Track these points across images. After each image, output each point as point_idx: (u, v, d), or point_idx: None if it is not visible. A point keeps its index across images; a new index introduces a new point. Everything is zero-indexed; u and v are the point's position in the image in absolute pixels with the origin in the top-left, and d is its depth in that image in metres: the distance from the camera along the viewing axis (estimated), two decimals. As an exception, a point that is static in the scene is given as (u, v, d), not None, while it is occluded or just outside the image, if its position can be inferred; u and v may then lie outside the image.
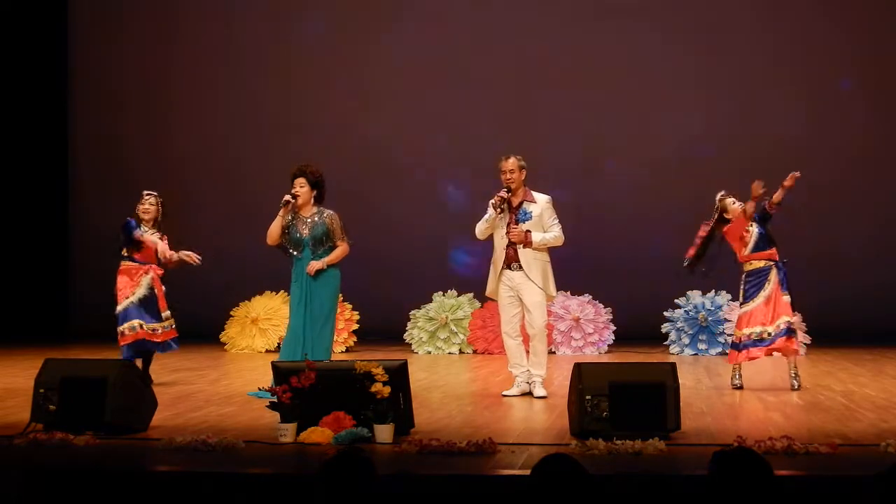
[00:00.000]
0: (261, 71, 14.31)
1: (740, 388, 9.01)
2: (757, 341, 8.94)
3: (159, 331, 9.51)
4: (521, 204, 8.83)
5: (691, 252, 9.19)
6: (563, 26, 13.91)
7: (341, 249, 8.92)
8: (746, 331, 8.99)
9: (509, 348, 8.91)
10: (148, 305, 9.51)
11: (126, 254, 9.58)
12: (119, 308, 9.51)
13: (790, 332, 8.95)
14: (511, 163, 8.83)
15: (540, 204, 8.85)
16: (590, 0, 13.94)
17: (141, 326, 9.42)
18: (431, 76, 14.06)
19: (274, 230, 8.83)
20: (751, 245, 9.04)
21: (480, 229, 8.93)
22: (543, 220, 8.81)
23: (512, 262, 8.79)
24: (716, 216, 9.20)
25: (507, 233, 8.75)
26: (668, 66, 13.78)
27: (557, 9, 13.95)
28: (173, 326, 9.67)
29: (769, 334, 8.91)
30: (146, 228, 9.59)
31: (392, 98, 14.10)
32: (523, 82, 13.86)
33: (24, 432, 6.84)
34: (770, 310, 8.94)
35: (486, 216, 8.84)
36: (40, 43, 14.43)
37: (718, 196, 9.23)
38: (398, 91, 14.10)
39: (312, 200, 8.91)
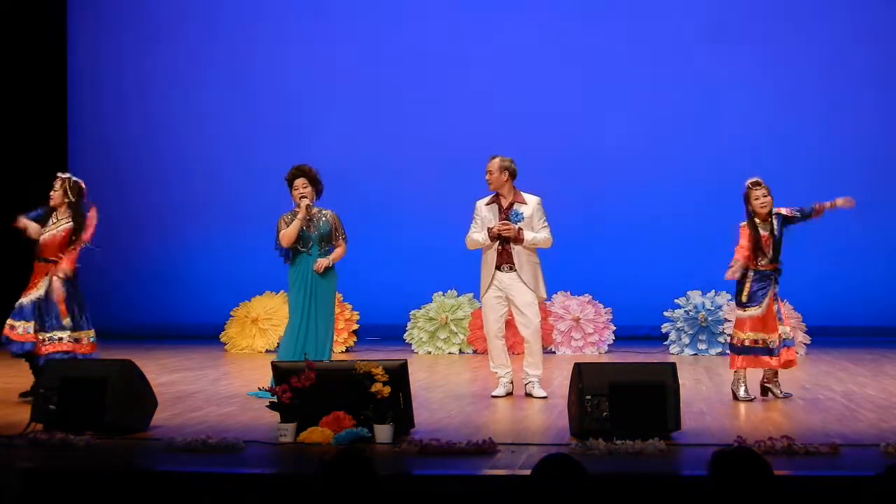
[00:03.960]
0: (265, 70, 14.29)
1: (751, 399, 8.43)
2: (765, 350, 8.43)
3: (51, 340, 8.62)
4: (511, 205, 8.77)
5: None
6: (574, 25, 13.89)
7: (342, 249, 8.98)
8: (752, 335, 8.48)
9: (494, 348, 8.88)
10: (43, 310, 8.70)
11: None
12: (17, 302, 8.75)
13: (787, 343, 8.51)
14: (493, 163, 8.75)
15: (531, 205, 8.78)
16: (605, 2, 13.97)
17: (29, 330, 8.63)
18: (436, 74, 14.03)
19: (293, 233, 8.80)
20: (771, 254, 8.48)
21: (473, 242, 8.85)
22: (533, 222, 8.74)
23: (504, 262, 8.72)
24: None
25: (500, 229, 8.63)
26: (677, 65, 13.74)
27: (569, 10, 13.94)
28: (78, 340, 8.71)
29: (773, 343, 8.42)
30: (57, 218, 8.87)
31: (392, 98, 14.08)
32: (528, 82, 13.83)
33: (24, 432, 6.85)
34: (771, 319, 8.47)
35: (481, 237, 8.76)
36: (38, 43, 14.41)
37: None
38: (399, 91, 14.07)
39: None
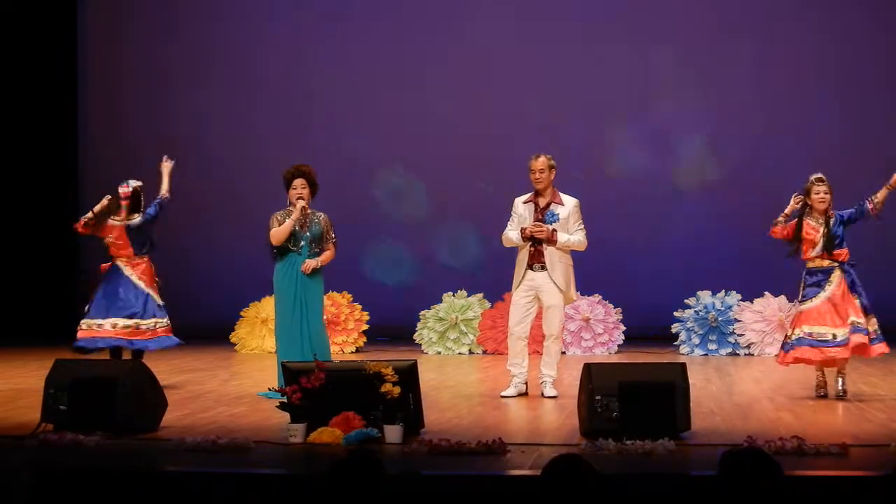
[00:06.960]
0: (272, 70, 14.29)
1: (824, 396, 8.53)
2: (818, 341, 8.41)
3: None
4: (548, 205, 8.74)
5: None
6: (574, 25, 13.88)
7: (332, 253, 8.98)
8: (803, 329, 8.47)
9: (514, 348, 8.84)
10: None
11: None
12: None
13: (857, 331, 8.38)
14: (541, 162, 8.71)
15: (568, 207, 8.75)
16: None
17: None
18: (439, 73, 14.02)
19: (284, 232, 8.80)
20: (820, 245, 8.55)
21: (508, 240, 8.83)
22: (569, 224, 8.72)
23: (535, 262, 8.70)
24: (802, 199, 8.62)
25: (532, 231, 8.60)
26: (683, 65, 13.71)
27: (567, 13, 13.93)
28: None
29: (833, 336, 8.38)
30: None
31: (402, 97, 14.07)
32: (533, 78, 13.82)
33: (34, 432, 6.87)
34: (834, 311, 8.41)
35: (515, 235, 8.74)
36: (48, 42, 14.44)
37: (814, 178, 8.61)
38: (410, 89, 14.07)
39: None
